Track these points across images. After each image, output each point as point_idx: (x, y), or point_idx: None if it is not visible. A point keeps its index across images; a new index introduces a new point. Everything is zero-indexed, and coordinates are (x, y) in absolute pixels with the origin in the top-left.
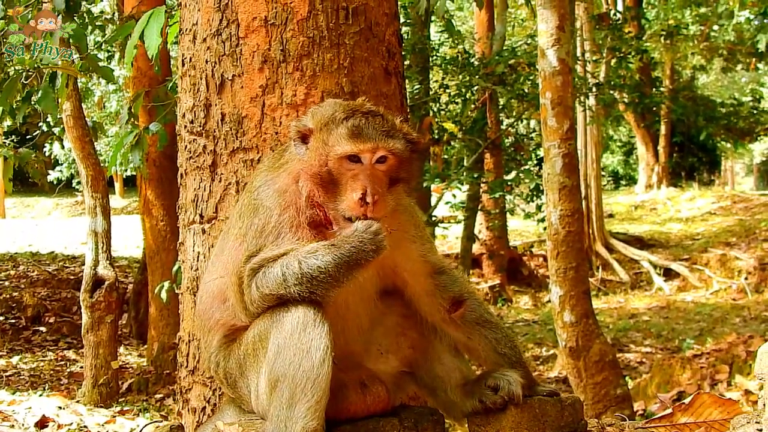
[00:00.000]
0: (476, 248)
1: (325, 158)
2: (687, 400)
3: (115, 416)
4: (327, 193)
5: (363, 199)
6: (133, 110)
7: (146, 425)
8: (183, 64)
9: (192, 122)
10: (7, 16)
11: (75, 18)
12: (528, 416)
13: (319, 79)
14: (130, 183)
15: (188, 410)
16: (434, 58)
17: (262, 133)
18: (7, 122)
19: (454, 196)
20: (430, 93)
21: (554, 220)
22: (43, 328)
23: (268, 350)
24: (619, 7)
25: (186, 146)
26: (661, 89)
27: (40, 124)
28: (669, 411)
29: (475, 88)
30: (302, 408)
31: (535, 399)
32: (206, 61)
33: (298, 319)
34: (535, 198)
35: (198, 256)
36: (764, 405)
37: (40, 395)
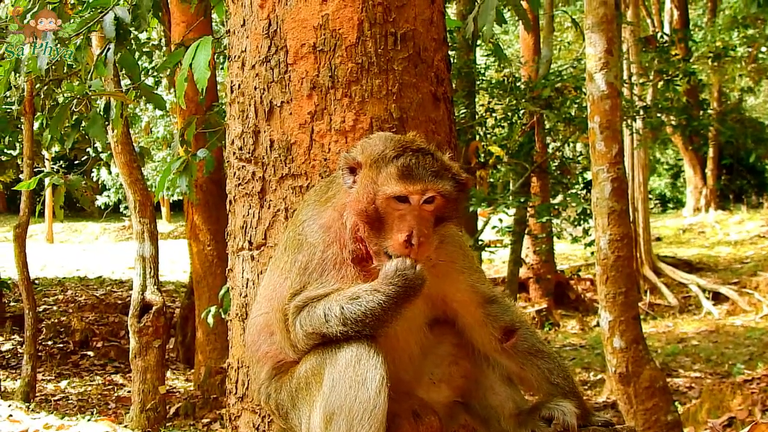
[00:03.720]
0: (523, 272)
1: (373, 196)
2: (744, 431)
3: None
4: (372, 229)
5: (408, 241)
6: (185, 137)
7: None
8: (231, 91)
9: (241, 149)
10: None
11: (125, 45)
12: None
13: (368, 105)
14: (176, 207)
15: None
16: (480, 82)
17: (311, 159)
18: (55, 148)
19: (501, 220)
20: (477, 117)
21: (603, 245)
22: (90, 353)
23: (322, 384)
24: (666, 30)
25: (235, 173)
26: (709, 112)
27: (88, 149)
28: None
29: (522, 111)
30: None
31: (589, 429)
32: (255, 88)
33: (352, 352)
34: (582, 222)
35: (247, 283)
36: None
37: (89, 420)
